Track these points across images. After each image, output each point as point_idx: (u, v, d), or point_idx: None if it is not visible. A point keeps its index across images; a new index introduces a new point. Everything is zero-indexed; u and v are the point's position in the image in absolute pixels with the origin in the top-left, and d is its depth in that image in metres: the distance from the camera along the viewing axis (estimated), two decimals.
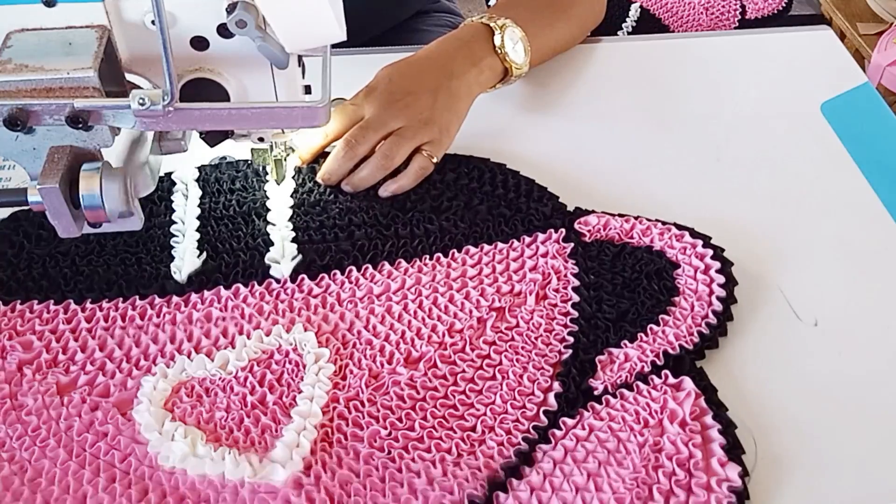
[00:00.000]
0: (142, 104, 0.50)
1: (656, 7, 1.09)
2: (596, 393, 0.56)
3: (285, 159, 0.70)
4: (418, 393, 0.56)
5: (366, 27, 0.81)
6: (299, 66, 0.60)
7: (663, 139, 0.78)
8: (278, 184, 0.70)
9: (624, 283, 0.62)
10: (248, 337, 0.59)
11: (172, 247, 0.65)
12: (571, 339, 0.59)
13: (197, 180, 0.70)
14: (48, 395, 0.56)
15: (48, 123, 0.51)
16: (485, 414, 0.55)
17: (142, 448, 0.53)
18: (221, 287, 0.62)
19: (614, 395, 0.55)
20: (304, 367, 0.57)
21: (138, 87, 0.56)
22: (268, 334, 0.59)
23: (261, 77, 0.58)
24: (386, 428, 0.54)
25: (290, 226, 0.67)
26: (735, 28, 1.15)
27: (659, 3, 1.10)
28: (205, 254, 0.65)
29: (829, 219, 0.70)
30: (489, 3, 1.16)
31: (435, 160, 0.70)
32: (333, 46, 0.56)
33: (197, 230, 0.66)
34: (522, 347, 0.59)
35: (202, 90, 0.56)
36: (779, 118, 0.80)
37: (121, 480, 0.51)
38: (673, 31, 1.11)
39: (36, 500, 0.50)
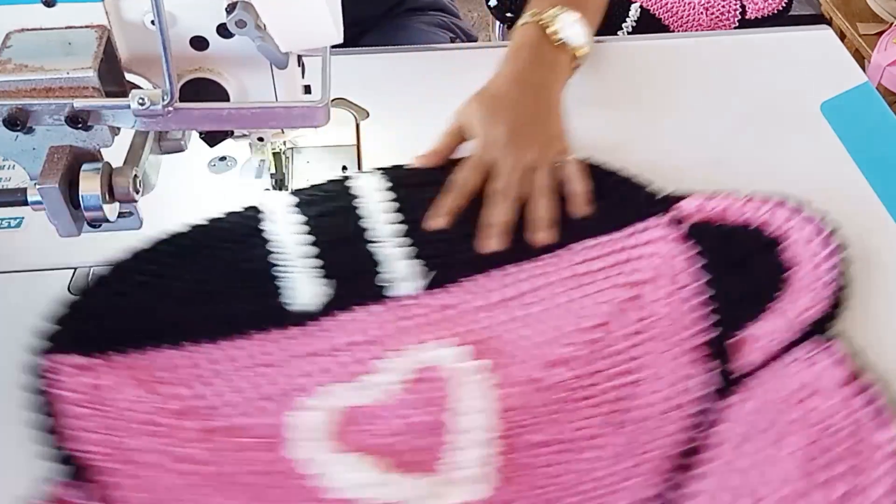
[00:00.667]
0: (142, 104, 0.50)
1: (656, 7, 1.09)
2: (743, 373, 0.55)
3: (284, 154, 0.70)
4: (575, 393, 0.56)
5: (356, 9, 0.81)
6: (299, 66, 0.60)
7: (663, 139, 0.78)
8: (278, 187, 0.70)
9: (739, 261, 0.62)
10: (393, 358, 0.57)
11: (283, 278, 0.62)
12: (709, 322, 0.58)
13: (292, 206, 0.67)
14: (195, 444, 0.53)
15: (48, 123, 0.51)
16: (645, 406, 0.55)
17: (309, 483, 0.51)
18: (355, 309, 0.61)
19: (762, 372, 0.55)
20: (461, 381, 0.56)
21: (138, 87, 0.56)
22: (412, 351, 0.58)
23: (261, 77, 0.58)
24: (553, 432, 0.54)
25: (408, 241, 0.65)
26: (735, 28, 1.15)
27: (659, 3, 1.10)
28: (323, 280, 0.62)
29: (829, 219, 0.70)
30: (489, 3, 1.16)
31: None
32: (333, 46, 0.56)
33: (308, 257, 0.63)
34: (662, 336, 0.58)
35: (202, 90, 0.56)
36: (779, 118, 0.80)
37: None
38: (673, 31, 1.11)
39: None
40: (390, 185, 0.69)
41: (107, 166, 0.53)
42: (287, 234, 0.65)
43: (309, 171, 0.73)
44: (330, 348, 0.59)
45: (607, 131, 0.79)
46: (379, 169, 0.70)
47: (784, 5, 1.16)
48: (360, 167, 0.73)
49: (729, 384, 0.55)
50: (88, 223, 0.53)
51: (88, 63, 0.51)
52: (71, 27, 0.52)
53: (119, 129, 0.53)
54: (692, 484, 0.51)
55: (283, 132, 0.67)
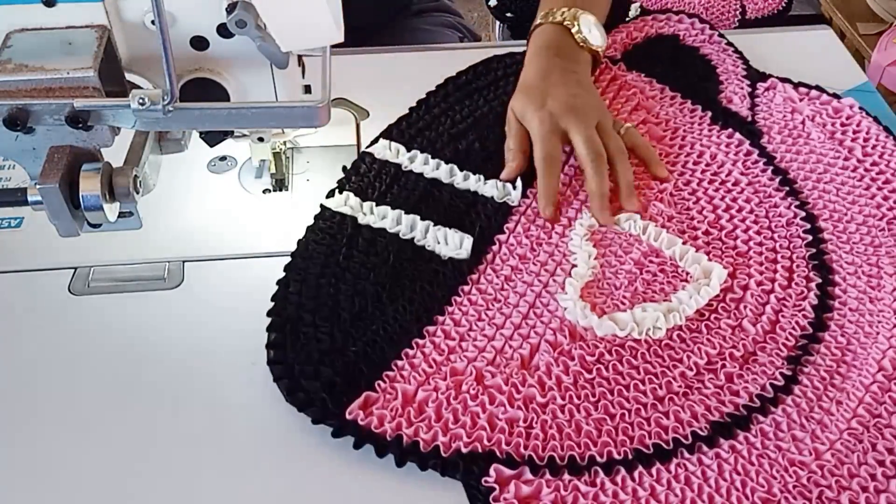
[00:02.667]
0: (142, 104, 0.50)
1: (656, 7, 1.09)
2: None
3: (284, 154, 0.69)
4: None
5: (365, 14, 0.81)
6: (299, 65, 0.60)
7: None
8: (278, 187, 0.70)
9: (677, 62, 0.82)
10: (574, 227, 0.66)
11: (425, 246, 0.65)
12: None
13: (360, 199, 0.68)
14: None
15: (48, 123, 0.51)
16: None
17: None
18: (496, 239, 0.65)
19: None
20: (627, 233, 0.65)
21: (138, 87, 0.56)
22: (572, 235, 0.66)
23: (261, 77, 0.58)
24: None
25: (470, 173, 0.70)
26: (735, 28, 1.15)
27: (659, 3, 1.10)
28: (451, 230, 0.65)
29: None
30: (489, 3, 1.16)
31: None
32: (333, 46, 0.56)
33: (422, 220, 0.66)
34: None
35: (202, 90, 0.57)
36: None
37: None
38: None
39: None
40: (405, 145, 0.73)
41: (107, 166, 0.53)
42: (388, 217, 0.66)
43: (309, 171, 0.73)
44: (520, 260, 0.64)
45: None
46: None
47: (784, 5, 1.16)
48: None
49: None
50: (88, 223, 0.53)
51: (88, 63, 0.51)
52: (71, 27, 0.52)
53: (119, 129, 0.53)
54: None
55: (283, 132, 0.67)
